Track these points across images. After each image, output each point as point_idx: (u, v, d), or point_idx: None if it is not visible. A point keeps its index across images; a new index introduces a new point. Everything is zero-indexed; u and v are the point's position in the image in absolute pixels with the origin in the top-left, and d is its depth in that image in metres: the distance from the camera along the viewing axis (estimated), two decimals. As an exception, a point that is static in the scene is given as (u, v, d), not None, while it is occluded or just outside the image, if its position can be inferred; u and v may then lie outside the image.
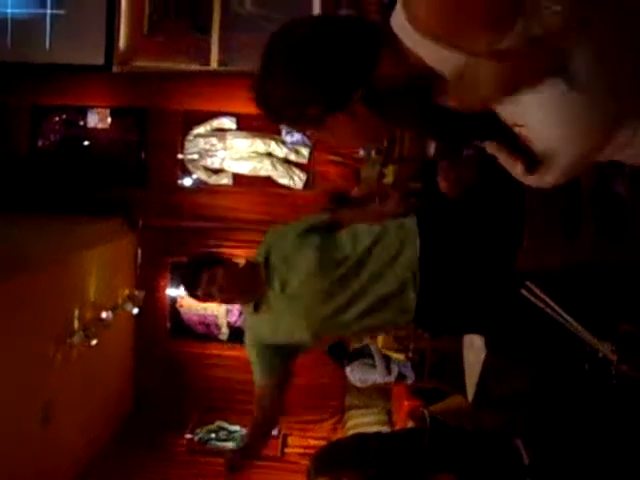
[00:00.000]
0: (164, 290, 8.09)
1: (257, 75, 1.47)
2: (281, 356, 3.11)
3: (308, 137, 7.56)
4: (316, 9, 7.70)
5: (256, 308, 2.99)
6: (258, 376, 3.08)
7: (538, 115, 1.31)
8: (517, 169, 1.51)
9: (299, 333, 2.97)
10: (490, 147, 1.54)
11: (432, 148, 4.97)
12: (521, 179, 1.52)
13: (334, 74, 1.40)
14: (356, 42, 1.41)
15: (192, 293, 3.01)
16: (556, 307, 1.48)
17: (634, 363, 1.37)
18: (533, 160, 1.42)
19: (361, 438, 3.63)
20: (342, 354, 6.16)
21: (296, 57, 1.41)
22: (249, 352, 3.11)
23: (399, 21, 1.35)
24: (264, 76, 1.46)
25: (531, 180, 1.49)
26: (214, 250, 3.14)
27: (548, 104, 1.28)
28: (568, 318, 1.46)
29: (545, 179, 1.46)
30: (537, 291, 1.51)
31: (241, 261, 3.16)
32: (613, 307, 1.54)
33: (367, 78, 1.40)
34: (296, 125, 1.52)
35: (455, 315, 2.64)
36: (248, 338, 3.10)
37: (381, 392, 7.04)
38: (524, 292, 1.58)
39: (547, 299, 1.49)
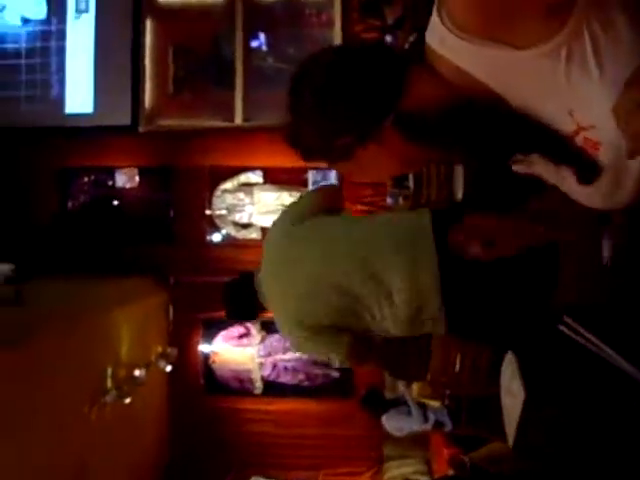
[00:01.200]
0: (197, 346, 8.08)
1: (286, 114, 1.47)
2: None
3: (336, 182, 7.57)
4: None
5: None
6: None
7: (606, 104, 1.21)
8: (567, 183, 1.44)
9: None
10: (535, 166, 1.48)
11: (460, 191, 4.95)
12: (576, 196, 1.45)
13: (362, 102, 1.38)
14: (379, 68, 1.39)
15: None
16: (598, 342, 1.43)
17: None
18: (588, 169, 1.36)
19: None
20: (377, 403, 6.08)
21: (322, 89, 1.40)
22: None
23: (436, 36, 1.32)
24: (292, 113, 1.46)
25: (592, 197, 1.41)
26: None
27: (615, 86, 1.18)
28: (611, 352, 1.41)
29: (617, 195, 1.38)
30: (576, 326, 1.47)
31: None
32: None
33: (396, 103, 1.37)
34: (328, 160, 1.48)
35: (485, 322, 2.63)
36: None
37: (419, 441, 6.93)
38: (562, 328, 1.53)
39: (587, 334, 1.44)
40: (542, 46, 1.22)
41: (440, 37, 1.31)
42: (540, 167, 1.47)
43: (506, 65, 1.27)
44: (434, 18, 1.31)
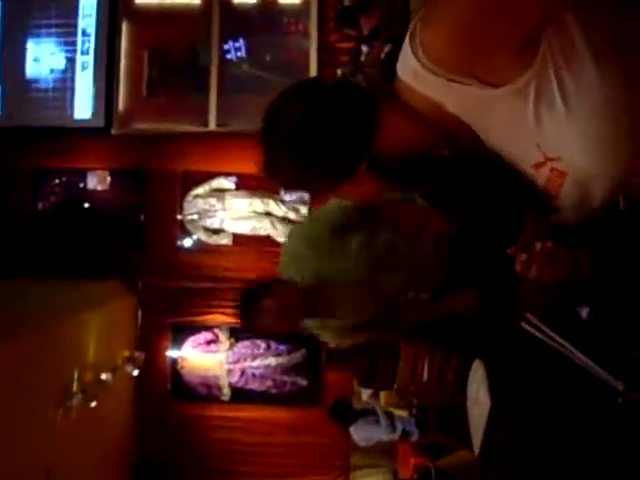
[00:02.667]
0: (165, 351, 8.03)
1: (262, 156, 1.49)
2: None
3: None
4: (313, 70, 7.80)
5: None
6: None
7: (572, 139, 1.29)
8: None
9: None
10: None
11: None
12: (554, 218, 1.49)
13: (337, 150, 1.40)
14: (351, 112, 1.40)
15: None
16: (558, 338, 1.45)
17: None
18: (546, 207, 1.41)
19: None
20: (345, 414, 6.08)
21: (295, 139, 1.41)
22: None
23: (409, 70, 1.34)
24: (269, 160, 1.48)
25: (564, 217, 1.46)
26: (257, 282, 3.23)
27: (582, 122, 1.26)
28: (570, 348, 1.43)
29: (589, 211, 1.43)
30: (537, 322, 1.49)
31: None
32: (617, 334, 1.52)
33: (369, 145, 1.39)
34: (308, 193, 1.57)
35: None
36: None
37: (386, 451, 6.93)
38: (523, 325, 1.55)
39: (548, 330, 1.46)
40: (513, 84, 1.27)
41: (413, 70, 1.32)
42: None
43: (478, 101, 1.31)
44: (406, 51, 1.32)
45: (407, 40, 1.32)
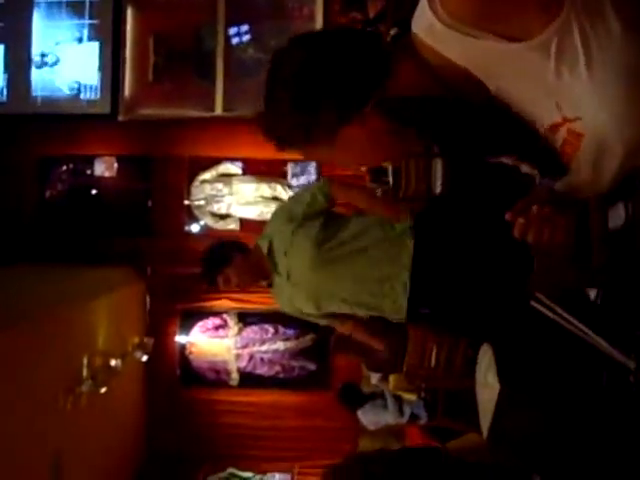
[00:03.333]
0: (173, 337, 8.06)
1: (264, 95, 1.46)
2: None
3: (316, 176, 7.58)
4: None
5: (270, 285, 3.35)
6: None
7: (593, 100, 1.26)
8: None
9: (307, 309, 3.28)
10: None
11: (438, 185, 4.98)
12: (561, 187, 1.47)
13: (349, 78, 1.37)
14: (367, 49, 1.40)
15: (213, 284, 3.34)
16: (568, 316, 1.44)
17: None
18: (554, 168, 1.39)
19: (363, 466, 3.61)
20: (353, 398, 6.09)
21: (306, 62, 1.40)
22: None
23: (424, 24, 1.33)
24: (272, 90, 1.45)
25: (572, 186, 1.44)
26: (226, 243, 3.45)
27: (604, 85, 1.24)
28: (582, 327, 1.42)
29: (598, 183, 1.42)
30: (547, 301, 1.48)
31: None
32: (628, 314, 1.51)
33: (382, 84, 1.38)
34: (308, 140, 1.45)
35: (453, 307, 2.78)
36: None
37: (395, 434, 6.94)
38: (534, 303, 1.55)
39: (558, 309, 1.46)
40: (533, 39, 1.24)
41: (428, 24, 1.31)
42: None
43: (495, 56, 1.29)
44: (423, 4, 1.31)
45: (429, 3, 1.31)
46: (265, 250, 3.21)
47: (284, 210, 3.37)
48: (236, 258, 3.27)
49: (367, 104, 1.38)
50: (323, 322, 3.47)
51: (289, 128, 1.43)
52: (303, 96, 1.39)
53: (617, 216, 2.05)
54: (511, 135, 1.42)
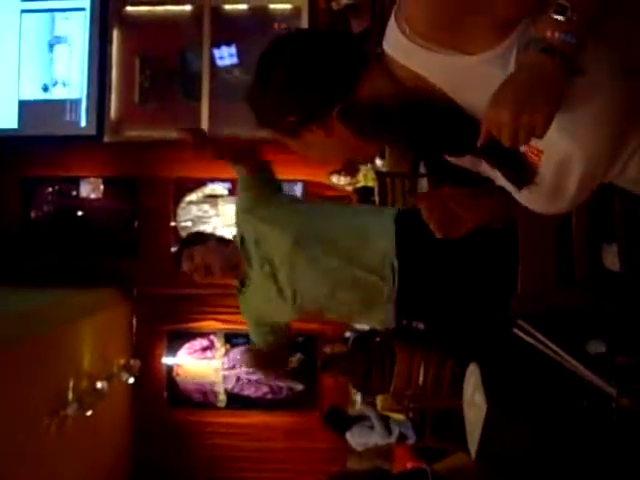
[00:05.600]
0: (160, 359, 8.02)
1: (252, 83, 1.55)
2: (276, 331, 3.28)
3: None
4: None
5: (242, 285, 3.17)
6: (260, 345, 3.29)
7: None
8: (503, 183, 1.49)
9: (282, 307, 3.10)
10: (485, 168, 1.52)
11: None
12: (522, 200, 1.48)
13: (315, 85, 1.43)
14: (340, 54, 1.44)
15: (180, 269, 3.17)
16: (550, 344, 1.45)
17: (634, 396, 1.34)
18: (525, 176, 1.40)
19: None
20: (340, 421, 6.08)
21: (283, 67, 1.46)
22: (248, 327, 3.33)
23: (392, 40, 1.37)
24: (256, 84, 1.53)
25: (533, 200, 1.45)
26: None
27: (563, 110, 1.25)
28: (563, 354, 1.43)
29: (559, 200, 1.43)
30: (529, 328, 1.49)
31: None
32: (608, 340, 1.52)
33: (347, 94, 1.41)
34: (277, 132, 1.52)
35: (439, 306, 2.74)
36: (244, 316, 3.33)
37: (383, 454, 6.92)
38: (516, 331, 1.55)
39: (539, 335, 1.46)
40: (489, 52, 1.27)
41: (396, 40, 1.37)
42: (488, 169, 1.52)
43: (456, 70, 1.33)
44: (391, 24, 1.37)
45: (393, 12, 1.36)
46: (238, 239, 3.15)
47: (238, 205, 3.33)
48: (209, 242, 3.21)
49: (331, 111, 1.42)
50: (266, 340, 3.29)
51: (260, 117, 1.53)
52: (271, 96, 1.48)
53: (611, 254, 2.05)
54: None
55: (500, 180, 1.50)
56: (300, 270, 2.97)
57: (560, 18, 1.19)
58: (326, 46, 1.46)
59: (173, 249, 3.37)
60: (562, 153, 1.32)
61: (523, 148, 1.36)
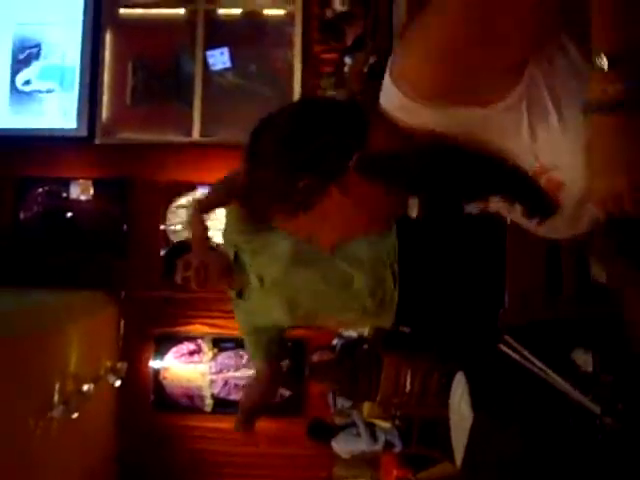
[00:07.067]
0: (147, 362, 8.00)
1: (244, 166, 1.43)
2: (276, 339, 3.20)
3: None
4: (297, 81, 7.82)
5: (239, 295, 3.11)
6: (256, 361, 3.21)
7: (568, 150, 1.27)
8: (517, 216, 1.48)
9: (279, 317, 3.06)
10: (496, 205, 1.51)
11: (414, 211, 5.00)
12: (541, 232, 1.47)
13: (326, 143, 1.35)
14: (346, 120, 1.38)
15: (172, 279, 3.09)
16: (535, 361, 1.45)
17: (617, 414, 1.35)
18: (547, 209, 1.39)
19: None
20: (323, 432, 6.09)
21: (285, 134, 1.37)
22: (244, 339, 3.24)
23: (392, 102, 1.32)
24: (251, 161, 1.42)
25: (552, 229, 1.44)
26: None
27: (577, 135, 1.23)
28: (548, 372, 1.43)
29: (580, 224, 1.42)
30: (515, 345, 1.49)
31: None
32: (594, 349, 1.52)
33: (361, 147, 1.35)
34: (287, 210, 1.41)
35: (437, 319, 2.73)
36: (240, 325, 3.24)
37: (369, 462, 6.92)
38: (502, 347, 1.55)
39: (526, 352, 1.47)
40: (502, 102, 1.25)
41: (397, 102, 1.31)
42: (494, 204, 1.50)
43: (468, 121, 1.29)
44: (388, 85, 1.31)
45: (388, 73, 1.30)
46: (232, 257, 3.10)
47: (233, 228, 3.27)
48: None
49: (348, 165, 1.36)
50: (270, 350, 3.22)
51: (270, 198, 1.41)
52: (283, 164, 1.37)
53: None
54: (497, 177, 1.41)
55: (515, 215, 1.49)
56: (300, 286, 2.95)
57: (605, 69, 1.15)
58: (328, 110, 1.40)
59: (162, 252, 3.31)
60: (579, 182, 1.30)
61: (544, 182, 1.36)
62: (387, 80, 1.31)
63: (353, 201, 1.39)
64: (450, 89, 1.24)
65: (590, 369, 1.49)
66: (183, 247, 3.25)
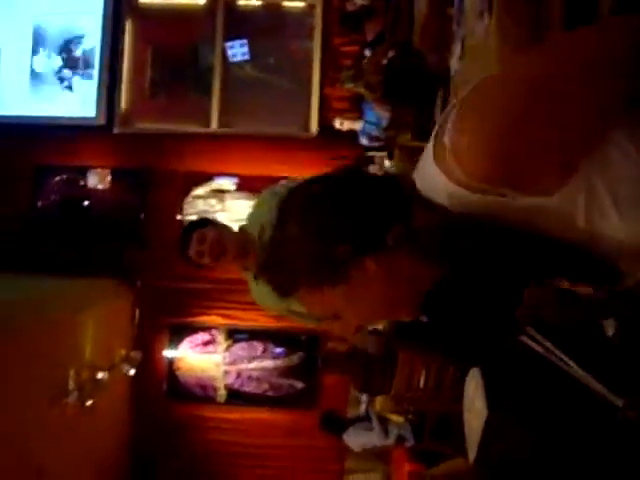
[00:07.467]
0: (161, 351, 8.03)
1: (270, 240, 1.33)
2: None
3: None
4: (316, 74, 7.80)
5: (256, 277, 3.01)
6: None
7: (627, 235, 1.24)
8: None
9: (296, 305, 2.97)
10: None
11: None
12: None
13: (367, 211, 1.28)
14: (389, 192, 1.32)
15: (185, 254, 3.04)
16: (558, 352, 1.43)
17: (641, 408, 1.33)
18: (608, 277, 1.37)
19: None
20: (336, 426, 6.09)
21: (327, 196, 1.30)
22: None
23: (439, 190, 1.25)
24: (277, 230, 1.32)
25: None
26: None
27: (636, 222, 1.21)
28: (571, 363, 1.41)
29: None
30: (538, 336, 1.47)
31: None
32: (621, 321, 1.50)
33: (403, 220, 1.29)
34: (314, 284, 1.31)
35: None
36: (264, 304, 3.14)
37: (381, 456, 6.92)
38: (524, 338, 1.54)
39: (548, 344, 1.45)
40: (559, 193, 1.21)
41: (447, 191, 1.25)
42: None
43: (518, 210, 1.26)
44: (433, 172, 1.25)
45: (432, 160, 1.24)
46: (256, 234, 2.98)
47: (276, 196, 3.20)
48: (218, 225, 3.14)
49: (387, 236, 1.28)
50: (308, 322, 3.20)
51: (300, 268, 1.31)
52: (318, 231, 1.28)
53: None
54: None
55: None
56: None
57: None
58: (372, 179, 1.35)
59: (178, 239, 3.23)
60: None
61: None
62: (432, 167, 1.25)
63: (385, 277, 1.32)
64: (508, 176, 1.19)
65: (617, 340, 1.47)
66: (202, 223, 3.20)
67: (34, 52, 8.04)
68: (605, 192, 1.21)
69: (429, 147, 1.26)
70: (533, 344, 1.49)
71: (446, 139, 1.19)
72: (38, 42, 8.04)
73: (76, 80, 8.00)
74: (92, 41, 7.97)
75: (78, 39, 8.02)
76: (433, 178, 1.25)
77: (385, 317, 1.46)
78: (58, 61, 8.02)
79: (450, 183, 1.22)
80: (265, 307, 3.24)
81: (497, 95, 1.18)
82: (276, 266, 1.35)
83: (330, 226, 1.27)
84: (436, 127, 1.26)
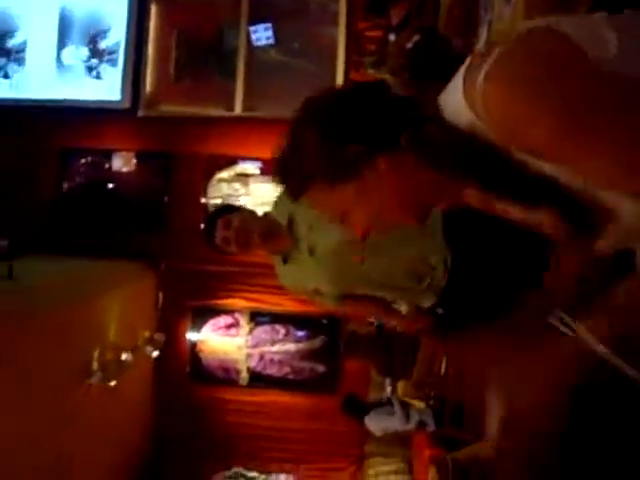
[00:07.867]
0: (184, 334, 8.08)
1: (287, 140, 1.40)
2: None
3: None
4: (341, 58, 7.78)
5: (285, 261, 3.07)
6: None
7: None
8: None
9: (325, 287, 3.03)
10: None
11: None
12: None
13: (381, 115, 1.32)
14: (400, 97, 1.36)
15: (211, 241, 3.05)
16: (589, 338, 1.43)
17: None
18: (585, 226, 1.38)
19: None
20: (358, 408, 6.09)
21: (337, 98, 1.35)
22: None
23: (461, 118, 1.28)
24: (298, 131, 1.38)
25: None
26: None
27: None
28: (607, 352, 1.40)
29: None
30: (567, 319, 1.47)
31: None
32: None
33: (416, 124, 1.32)
34: (328, 180, 1.36)
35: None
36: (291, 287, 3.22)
37: (401, 440, 6.94)
38: (552, 320, 1.53)
39: (576, 326, 1.44)
40: None
41: (469, 123, 1.27)
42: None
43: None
44: (460, 104, 1.27)
45: (463, 89, 1.25)
46: (285, 222, 3.03)
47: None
48: (243, 211, 3.16)
49: (399, 139, 1.32)
50: (333, 305, 3.18)
51: (313, 164, 1.36)
52: (332, 129, 1.33)
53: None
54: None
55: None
56: (345, 265, 2.93)
57: None
58: (383, 85, 1.38)
59: (203, 225, 3.23)
60: None
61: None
62: (458, 95, 1.26)
63: (395, 178, 1.36)
64: (525, 145, 1.22)
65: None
66: (229, 209, 3.21)
67: (62, 44, 8.06)
68: None
69: (459, 75, 1.28)
70: (562, 327, 1.48)
71: (479, 80, 1.20)
72: (65, 31, 8.06)
73: (103, 68, 8.02)
74: (118, 32, 7.99)
75: (104, 33, 8.04)
76: (457, 105, 1.27)
77: (392, 220, 1.48)
78: (85, 52, 8.05)
79: (477, 121, 1.24)
80: (293, 289, 3.27)
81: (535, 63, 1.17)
82: (291, 166, 1.40)
83: (345, 125, 1.32)
84: (470, 58, 1.27)
